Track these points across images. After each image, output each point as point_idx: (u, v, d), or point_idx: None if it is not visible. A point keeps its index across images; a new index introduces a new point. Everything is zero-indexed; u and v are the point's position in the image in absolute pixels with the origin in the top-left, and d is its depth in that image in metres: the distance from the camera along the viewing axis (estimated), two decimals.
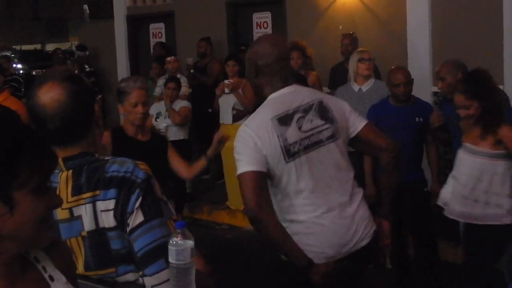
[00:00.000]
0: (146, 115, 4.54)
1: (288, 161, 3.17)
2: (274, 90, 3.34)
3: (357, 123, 3.42)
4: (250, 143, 3.18)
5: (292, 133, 3.20)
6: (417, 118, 5.62)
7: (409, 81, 5.65)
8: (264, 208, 3.13)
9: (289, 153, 3.17)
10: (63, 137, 2.14)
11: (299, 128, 3.22)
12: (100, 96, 10.46)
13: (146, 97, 4.51)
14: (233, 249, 7.22)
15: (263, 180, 3.17)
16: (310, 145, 3.22)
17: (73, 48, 22.09)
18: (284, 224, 3.22)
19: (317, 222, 3.21)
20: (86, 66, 11.73)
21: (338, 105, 3.44)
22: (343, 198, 3.28)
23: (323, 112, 3.31)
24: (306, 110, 3.27)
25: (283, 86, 3.34)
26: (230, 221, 8.23)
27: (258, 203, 3.10)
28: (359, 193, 3.37)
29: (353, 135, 3.41)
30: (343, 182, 3.31)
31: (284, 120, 3.22)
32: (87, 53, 11.90)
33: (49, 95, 2.12)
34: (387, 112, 5.72)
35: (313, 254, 3.18)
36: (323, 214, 3.21)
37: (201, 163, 4.78)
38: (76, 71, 10.97)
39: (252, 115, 3.40)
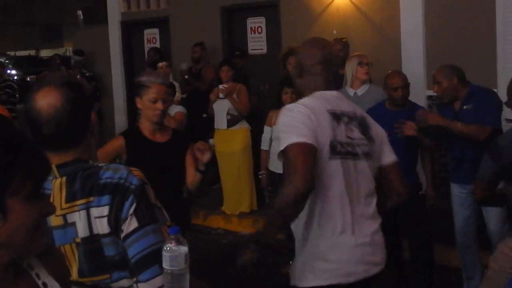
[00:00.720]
0: (164, 112, 4.34)
1: (331, 157, 3.02)
2: (317, 89, 3.28)
3: (387, 156, 3.37)
4: (305, 118, 3.01)
5: (341, 133, 3.11)
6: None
7: (406, 85, 5.68)
8: (311, 187, 2.88)
9: (334, 150, 3.04)
10: (57, 143, 2.14)
11: (346, 132, 3.14)
12: (98, 104, 10.46)
13: (167, 94, 4.32)
14: (228, 254, 7.21)
15: (315, 156, 2.93)
16: (350, 152, 3.11)
17: (68, 53, 22.09)
18: (305, 226, 3.09)
19: (339, 238, 3.05)
20: (85, 71, 11.74)
21: (377, 129, 3.40)
22: (367, 217, 3.15)
23: (365, 128, 3.26)
24: (351, 118, 3.21)
25: (326, 89, 3.30)
26: (225, 226, 8.24)
27: (312, 179, 2.86)
28: (379, 220, 3.27)
29: (377, 164, 3.31)
30: (369, 203, 3.20)
31: (335, 116, 3.13)
32: (84, 58, 11.90)
33: (46, 100, 2.12)
34: (382, 116, 5.73)
35: (331, 272, 3.05)
36: (346, 229, 3.05)
37: (196, 177, 4.35)
38: (78, 76, 10.99)
39: (303, 100, 3.21)
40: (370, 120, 3.37)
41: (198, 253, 6.84)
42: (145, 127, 4.33)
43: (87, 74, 11.40)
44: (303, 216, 3.05)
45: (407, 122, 5.42)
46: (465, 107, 5.38)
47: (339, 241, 3.03)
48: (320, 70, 3.30)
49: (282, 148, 2.96)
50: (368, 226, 3.13)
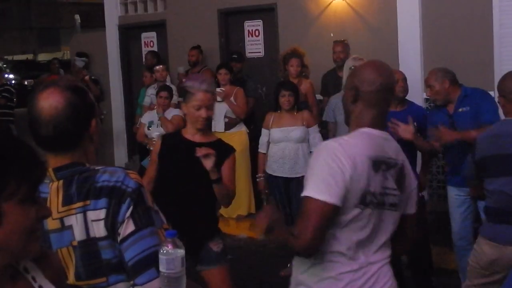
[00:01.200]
0: (209, 120, 4.36)
1: (356, 206, 2.80)
2: (366, 123, 2.93)
3: (411, 207, 3.09)
4: (338, 168, 2.75)
5: (376, 183, 2.84)
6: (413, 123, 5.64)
7: (405, 78, 5.71)
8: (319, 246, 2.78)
9: (364, 200, 2.80)
10: (54, 144, 2.15)
11: (382, 181, 2.87)
12: (101, 111, 10.43)
13: (211, 100, 4.28)
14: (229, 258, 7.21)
15: (333, 215, 2.75)
16: (380, 203, 2.88)
17: (65, 57, 22.09)
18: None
19: (342, 277, 2.87)
20: (90, 74, 11.74)
21: (411, 178, 3.08)
22: (374, 260, 2.92)
23: (400, 177, 2.97)
24: (390, 166, 2.92)
25: (376, 126, 2.95)
26: (223, 229, 8.16)
27: (321, 239, 2.75)
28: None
29: (400, 214, 3.04)
30: (383, 257, 2.97)
31: (375, 164, 2.84)
32: (87, 60, 11.91)
33: (48, 101, 2.13)
34: None
35: None
36: (351, 271, 2.86)
37: (217, 190, 4.22)
38: (87, 77, 11.00)
39: (346, 137, 2.91)
40: (408, 168, 3.07)
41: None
42: (187, 131, 4.37)
43: (92, 77, 11.42)
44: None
45: (401, 124, 5.39)
46: (460, 109, 5.40)
47: (337, 276, 2.87)
48: (377, 98, 2.93)
49: (303, 194, 2.77)
50: (373, 264, 2.93)
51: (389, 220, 2.95)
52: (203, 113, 4.19)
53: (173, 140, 4.42)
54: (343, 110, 3.08)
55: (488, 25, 7.57)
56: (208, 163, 4.06)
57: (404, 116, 5.63)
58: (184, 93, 4.32)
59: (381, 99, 2.95)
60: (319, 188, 2.71)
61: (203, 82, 4.24)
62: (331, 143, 2.86)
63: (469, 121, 5.27)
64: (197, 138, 4.32)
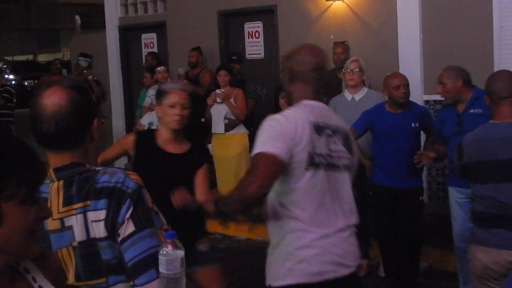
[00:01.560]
0: (183, 119, 4.17)
1: (308, 168, 3.07)
2: (305, 97, 3.27)
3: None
4: (283, 129, 3.06)
5: (321, 145, 3.12)
6: (413, 124, 5.66)
7: (407, 83, 5.71)
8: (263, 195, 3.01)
9: (312, 162, 3.07)
10: (56, 142, 2.15)
11: (327, 144, 3.16)
12: (105, 116, 10.45)
13: (186, 100, 4.18)
14: (225, 259, 7.21)
15: (280, 169, 3.01)
16: (331, 164, 3.15)
17: (65, 58, 22.10)
18: (281, 229, 3.13)
19: (313, 242, 3.10)
20: (93, 76, 11.78)
21: (356, 147, 3.49)
22: (343, 224, 3.18)
23: (348, 142, 3.30)
24: (335, 131, 3.22)
25: (314, 98, 3.28)
26: (223, 230, 8.23)
27: (264, 191, 2.97)
28: (354, 225, 3.28)
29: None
30: (347, 214, 3.23)
31: (318, 128, 3.14)
32: (90, 60, 11.93)
33: (51, 98, 2.14)
34: (382, 119, 5.77)
35: (301, 271, 3.10)
36: (322, 237, 3.10)
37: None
38: (90, 76, 11.02)
39: (289, 110, 3.24)
40: (352, 138, 3.45)
41: None
42: (161, 134, 4.26)
43: (94, 78, 11.44)
44: (281, 220, 3.12)
45: (424, 152, 5.48)
46: (472, 110, 5.36)
47: (311, 244, 3.09)
48: (311, 77, 3.28)
49: (252, 154, 3.05)
50: (343, 231, 3.17)
51: (345, 182, 3.25)
52: (177, 111, 4.11)
53: (147, 145, 4.27)
54: (286, 93, 3.48)
55: (488, 28, 7.58)
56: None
57: (405, 118, 5.65)
58: (159, 95, 4.23)
59: (316, 77, 3.29)
60: (266, 145, 3.01)
61: (177, 83, 4.23)
62: (275, 115, 3.19)
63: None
64: (170, 147, 4.22)
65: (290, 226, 3.10)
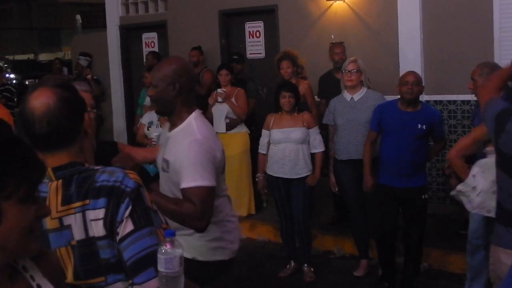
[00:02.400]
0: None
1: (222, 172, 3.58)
2: (190, 108, 3.51)
3: None
4: (211, 155, 3.37)
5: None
6: (419, 125, 5.66)
7: (417, 82, 5.72)
8: None
9: (224, 168, 3.61)
10: (49, 142, 2.15)
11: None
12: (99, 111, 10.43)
13: (91, 101, 4.20)
14: None
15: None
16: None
17: (66, 57, 22.09)
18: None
19: (233, 220, 3.73)
20: (92, 75, 11.78)
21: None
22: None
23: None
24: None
25: (194, 107, 3.57)
26: None
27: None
28: None
29: None
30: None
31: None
32: (91, 59, 11.94)
33: (39, 99, 2.14)
34: (391, 115, 5.79)
35: (230, 251, 3.67)
36: (234, 220, 3.75)
37: None
38: (89, 76, 11.03)
39: (199, 126, 3.46)
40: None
41: None
42: None
43: (94, 77, 11.45)
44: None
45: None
46: None
47: (232, 228, 3.68)
48: (191, 87, 3.58)
49: (191, 184, 3.26)
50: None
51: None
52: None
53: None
54: (163, 103, 3.52)
55: (489, 28, 7.59)
56: None
57: (415, 117, 5.65)
58: None
59: (193, 86, 3.62)
60: (209, 177, 3.28)
61: (81, 84, 4.02)
62: (196, 136, 3.37)
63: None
64: None
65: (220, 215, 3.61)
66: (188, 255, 3.33)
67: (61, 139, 2.16)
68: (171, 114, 3.53)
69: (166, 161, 3.48)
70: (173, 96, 3.44)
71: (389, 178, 5.78)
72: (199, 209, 3.20)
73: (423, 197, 5.79)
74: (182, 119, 3.48)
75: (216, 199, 3.40)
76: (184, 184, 3.27)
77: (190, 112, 3.49)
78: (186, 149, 3.32)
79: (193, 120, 3.46)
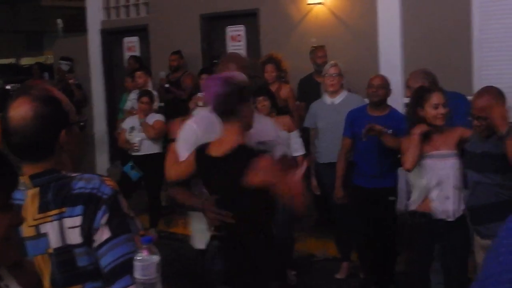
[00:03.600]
0: None
1: None
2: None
3: None
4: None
5: None
6: (386, 129, 5.69)
7: (384, 86, 5.77)
8: None
9: None
10: (25, 153, 2.16)
11: None
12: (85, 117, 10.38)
13: None
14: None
15: None
16: None
17: (48, 61, 21.92)
18: None
19: None
20: (75, 80, 11.73)
21: None
22: None
23: None
24: None
25: None
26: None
27: None
28: None
29: None
30: None
31: None
32: (72, 64, 11.88)
33: (17, 111, 2.13)
34: (361, 119, 5.83)
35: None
36: None
37: None
38: (71, 80, 10.97)
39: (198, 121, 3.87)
40: None
41: (179, 262, 6.84)
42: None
43: (76, 82, 11.39)
44: None
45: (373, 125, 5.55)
46: None
47: None
48: None
49: None
50: None
51: None
52: None
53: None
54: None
55: (468, 30, 7.64)
56: None
57: (382, 121, 5.69)
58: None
59: None
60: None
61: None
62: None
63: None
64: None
65: None
66: None
67: (35, 151, 2.16)
68: None
69: None
70: None
71: (360, 179, 5.85)
72: None
73: (389, 198, 5.84)
74: None
75: None
76: None
77: None
78: None
79: None
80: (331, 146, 6.34)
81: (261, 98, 6.46)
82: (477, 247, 4.55)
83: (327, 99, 6.53)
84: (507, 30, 7.47)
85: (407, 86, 5.61)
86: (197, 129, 3.81)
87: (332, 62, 6.66)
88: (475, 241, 4.59)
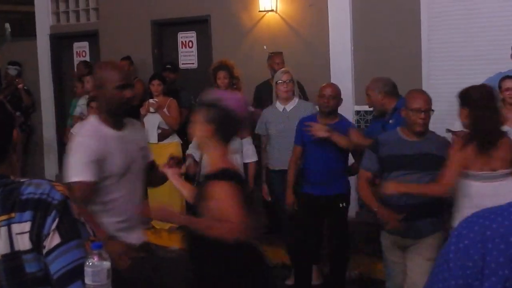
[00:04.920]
0: None
1: None
2: None
3: None
4: None
5: None
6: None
7: (334, 96, 5.79)
8: None
9: None
10: None
11: None
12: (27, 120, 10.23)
13: None
14: (162, 269, 7.16)
15: None
16: None
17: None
18: None
19: None
20: (23, 85, 11.56)
21: None
22: None
23: None
24: None
25: None
26: (155, 240, 8.17)
27: None
28: None
29: None
30: None
31: None
32: (20, 68, 11.70)
33: None
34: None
35: None
36: None
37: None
38: (21, 85, 10.80)
39: None
40: None
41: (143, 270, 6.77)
42: None
43: (25, 88, 11.22)
44: None
45: (314, 124, 5.63)
46: (390, 121, 5.47)
47: None
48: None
49: None
50: None
51: None
52: None
53: None
54: None
55: (417, 41, 7.77)
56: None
57: (334, 129, 5.73)
58: None
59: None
60: None
61: None
62: None
63: None
64: None
65: None
66: None
67: None
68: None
69: None
70: None
71: (309, 187, 5.87)
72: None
73: (341, 205, 5.88)
74: None
75: None
76: None
77: None
78: None
79: None
80: (282, 153, 6.36)
81: None
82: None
83: (279, 106, 6.56)
84: (453, 41, 7.64)
85: (366, 93, 5.66)
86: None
87: (283, 69, 6.71)
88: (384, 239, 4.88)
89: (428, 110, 4.59)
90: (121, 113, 3.91)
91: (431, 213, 4.67)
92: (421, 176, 4.57)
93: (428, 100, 4.65)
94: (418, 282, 4.47)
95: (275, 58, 8.04)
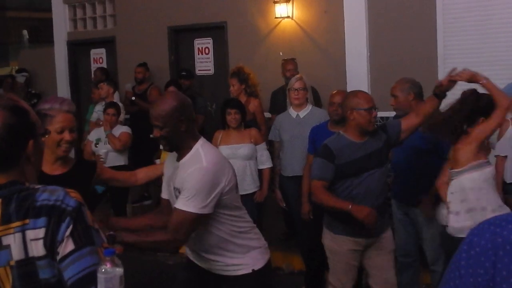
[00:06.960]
0: (72, 144, 3.87)
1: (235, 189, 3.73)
2: (196, 136, 3.66)
3: None
4: (214, 183, 3.51)
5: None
6: None
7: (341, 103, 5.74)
8: None
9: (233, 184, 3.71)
10: None
11: None
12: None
13: (73, 122, 3.85)
14: (174, 275, 7.17)
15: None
16: None
17: (13, 72, 21.74)
18: None
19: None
20: (30, 89, 11.67)
21: None
22: None
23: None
24: None
25: (199, 135, 3.73)
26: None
27: None
28: None
29: None
30: None
31: None
32: (28, 75, 11.80)
33: None
34: (322, 136, 5.80)
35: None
36: None
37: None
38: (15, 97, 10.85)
39: (205, 154, 3.56)
40: None
41: (144, 274, 6.80)
42: (47, 160, 3.69)
43: (33, 92, 11.30)
44: None
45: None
46: None
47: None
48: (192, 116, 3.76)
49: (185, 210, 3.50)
50: None
51: None
52: (66, 135, 3.78)
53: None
54: (176, 141, 3.64)
55: (433, 45, 7.75)
56: None
57: None
58: (41, 117, 3.50)
59: (193, 113, 3.72)
60: (194, 203, 3.47)
61: (63, 103, 3.84)
62: (202, 163, 3.50)
63: (416, 135, 5.15)
64: (57, 169, 3.88)
65: None
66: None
67: (1, 161, 2.13)
68: (181, 148, 3.65)
69: (177, 189, 3.61)
70: (184, 131, 3.58)
71: None
72: (170, 236, 3.50)
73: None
74: (189, 148, 3.60)
75: (235, 210, 3.70)
76: (175, 205, 3.53)
77: (196, 140, 3.63)
78: (189, 175, 3.48)
79: (200, 148, 3.59)
80: (295, 159, 6.35)
81: (233, 110, 6.47)
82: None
83: (292, 112, 6.55)
84: (469, 46, 7.61)
85: (392, 94, 5.54)
86: None
87: (297, 76, 6.69)
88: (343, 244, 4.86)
89: (375, 108, 4.70)
90: None
91: (387, 209, 4.94)
92: (382, 172, 4.67)
93: (372, 98, 4.79)
94: (389, 277, 4.81)
95: (286, 65, 8.04)
